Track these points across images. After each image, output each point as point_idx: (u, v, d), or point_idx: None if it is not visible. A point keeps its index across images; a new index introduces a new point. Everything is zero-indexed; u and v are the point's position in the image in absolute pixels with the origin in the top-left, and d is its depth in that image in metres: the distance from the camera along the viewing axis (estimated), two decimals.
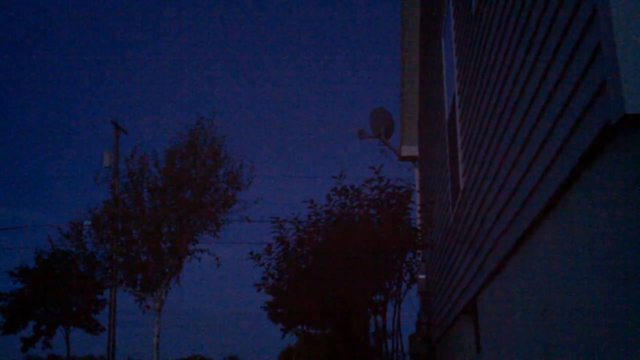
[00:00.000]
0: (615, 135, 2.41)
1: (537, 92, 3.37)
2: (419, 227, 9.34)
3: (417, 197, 11.25)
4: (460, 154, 6.49)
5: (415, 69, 12.09)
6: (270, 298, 10.99)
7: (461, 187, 6.43)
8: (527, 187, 3.68)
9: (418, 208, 10.40)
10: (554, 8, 3.00)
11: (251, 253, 9.38)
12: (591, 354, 2.82)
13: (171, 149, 15.80)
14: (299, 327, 11.22)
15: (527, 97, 3.59)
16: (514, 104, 3.90)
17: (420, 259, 9.19)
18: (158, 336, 15.60)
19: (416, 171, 12.74)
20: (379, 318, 8.84)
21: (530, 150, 3.56)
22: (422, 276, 10.88)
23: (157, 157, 15.78)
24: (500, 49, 4.30)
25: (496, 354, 5.01)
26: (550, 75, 3.12)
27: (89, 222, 15.87)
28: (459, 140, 6.51)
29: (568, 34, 2.82)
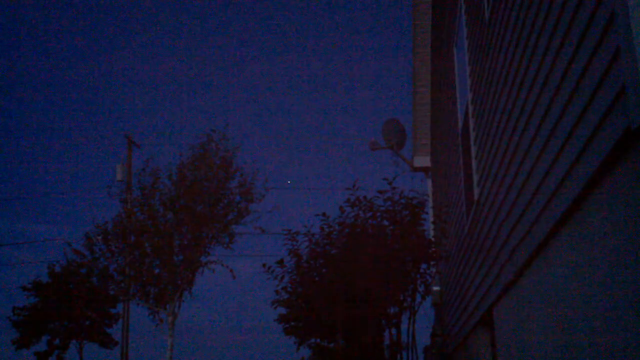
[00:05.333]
0: (635, 141, 2.35)
1: (554, 98, 3.33)
2: (432, 238, 9.28)
3: (430, 208, 11.19)
4: (474, 164, 6.43)
5: (427, 79, 12.06)
6: (283, 311, 10.95)
7: (475, 197, 6.37)
8: (544, 196, 3.63)
9: (431, 219, 10.34)
10: (570, 12, 2.96)
11: (264, 265, 9.35)
12: None
13: (183, 161, 15.84)
14: (313, 339, 11.16)
15: (543, 103, 3.55)
16: (530, 111, 3.86)
17: (434, 270, 9.13)
18: (171, 350, 15.57)
19: (429, 182, 12.68)
20: (394, 330, 8.77)
21: (547, 158, 3.51)
22: (436, 288, 10.81)
23: (170, 169, 15.83)
24: (515, 55, 4.26)
25: None
26: (567, 81, 3.07)
27: (101, 237, 15.90)
28: (473, 150, 6.46)
29: (586, 38, 2.77)
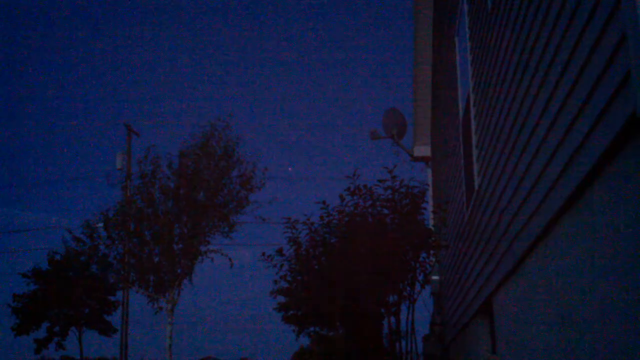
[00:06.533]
0: None
1: (557, 86, 3.31)
2: (432, 228, 9.28)
3: (430, 198, 11.18)
4: (475, 153, 6.42)
5: (428, 69, 12.02)
6: (282, 299, 10.96)
7: (476, 186, 6.36)
8: (545, 184, 3.61)
9: (431, 208, 10.33)
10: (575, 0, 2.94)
11: (263, 254, 9.34)
12: (613, 357, 2.75)
13: (184, 150, 15.80)
14: (312, 328, 11.18)
15: (546, 91, 3.53)
16: (533, 99, 3.84)
17: (434, 259, 9.12)
18: (170, 337, 15.59)
19: (429, 171, 12.67)
20: (393, 319, 8.78)
21: (549, 146, 3.49)
22: (435, 277, 10.81)
23: (170, 158, 15.79)
24: (518, 44, 4.24)
25: (512, 355, 4.94)
26: (571, 68, 3.05)
27: (102, 225, 15.90)
28: (474, 139, 6.44)
29: (590, 24, 2.75)
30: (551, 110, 3.43)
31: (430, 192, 11.23)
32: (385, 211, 8.55)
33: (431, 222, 10.00)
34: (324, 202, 8.78)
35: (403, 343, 8.87)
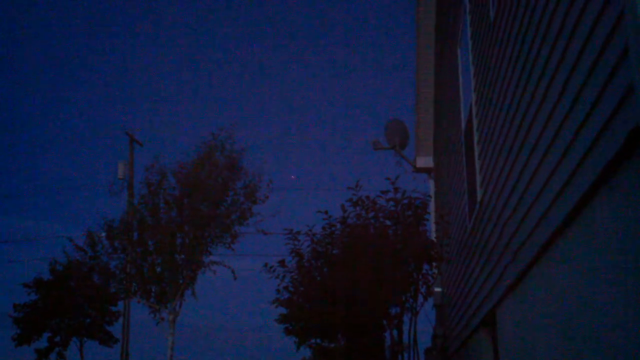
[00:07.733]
0: None
1: (560, 98, 3.30)
2: (435, 239, 9.25)
3: (432, 209, 11.16)
4: (477, 165, 6.41)
5: (431, 80, 12.03)
6: (283, 311, 10.91)
7: (478, 198, 6.34)
8: (549, 196, 3.60)
9: (434, 220, 10.31)
10: (577, 11, 2.94)
11: (266, 265, 9.33)
12: None
13: (188, 160, 15.77)
14: (313, 340, 11.13)
15: (549, 103, 3.52)
16: (536, 111, 3.83)
17: (436, 271, 9.09)
18: (172, 348, 15.53)
19: (431, 183, 12.65)
20: (395, 331, 8.73)
21: (552, 158, 3.48)
22: (438, 289, 10.78)
23: (176, 167, 15.75)
24: (521, 54, 4.23)
25: None
26: (574, 80, 3.04)
27: (104, 234, 15.86)
28: (476, 150, 6.43)
29: (592, 38, 2.75)
30: (554, 122, 3.42)
31: (432, 204, 11.21)
32: (388, 222, 8.53)
33: (434, 233, 9.97)
34: (326, 212, 8.77)
35: (405, 356, 8.82)
